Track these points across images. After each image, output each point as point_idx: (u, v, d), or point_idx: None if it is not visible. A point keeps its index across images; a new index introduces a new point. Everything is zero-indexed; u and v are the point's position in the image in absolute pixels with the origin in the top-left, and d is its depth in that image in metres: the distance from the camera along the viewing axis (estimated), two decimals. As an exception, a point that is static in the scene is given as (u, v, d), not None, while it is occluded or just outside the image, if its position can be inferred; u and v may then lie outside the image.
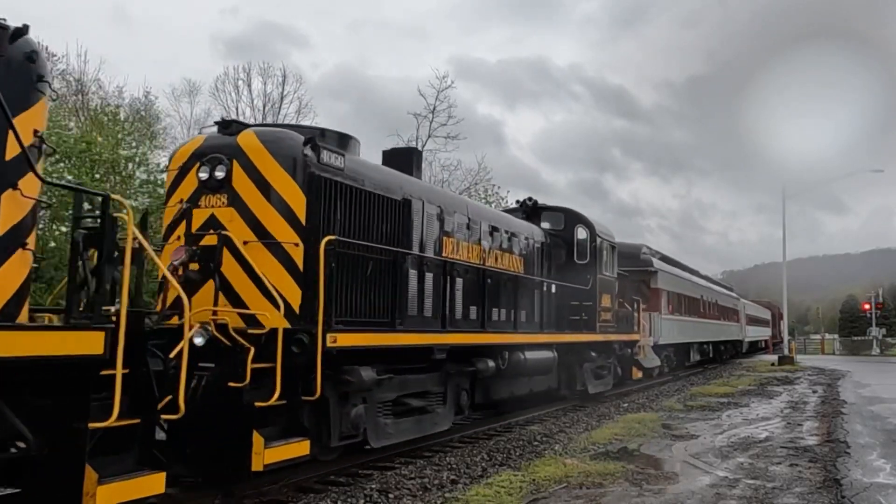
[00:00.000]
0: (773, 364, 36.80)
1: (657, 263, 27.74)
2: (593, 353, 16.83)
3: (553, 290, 15.15)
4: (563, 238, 16.49)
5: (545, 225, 16.36)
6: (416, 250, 10.24)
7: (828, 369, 32.76)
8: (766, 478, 8.57)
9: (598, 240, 16.72)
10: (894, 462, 9.48)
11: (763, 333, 61.28)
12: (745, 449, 10.61)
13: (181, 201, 8.12)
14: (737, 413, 15.25)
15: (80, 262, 5.35)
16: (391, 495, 7.93)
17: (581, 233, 16.60)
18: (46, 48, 24.03)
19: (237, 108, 34.67)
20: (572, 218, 16.86)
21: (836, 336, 79.44)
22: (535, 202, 16.80)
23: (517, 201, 17.61)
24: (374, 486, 8.23)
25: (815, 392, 20.73)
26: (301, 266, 8.03)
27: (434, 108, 33.81)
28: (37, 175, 5.10)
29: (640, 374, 21.58)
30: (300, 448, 7.46)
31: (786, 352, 40.25)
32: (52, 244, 16.84)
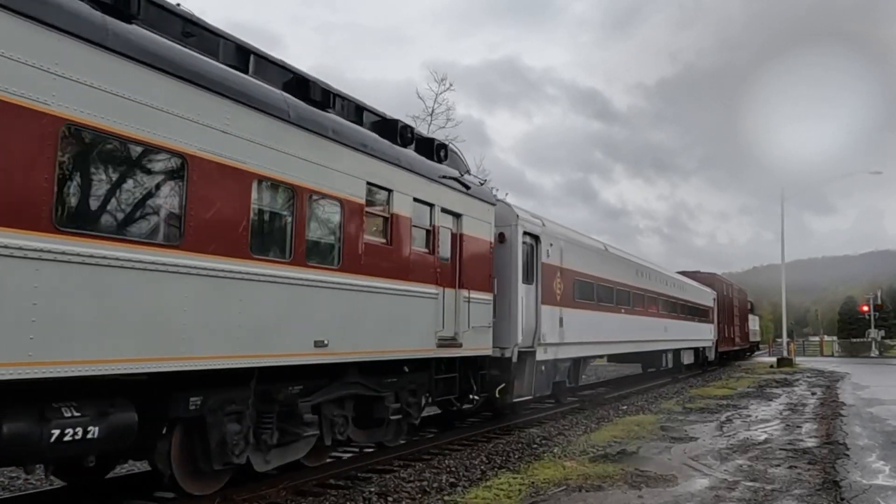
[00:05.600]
0: (771, 366, 36.85)
1: None
2: None
3: None
4: None
5: None
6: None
7: (826, 371, 32.76)
8: (765, 480, 8.56)
9: None
10: (893, 464, 9.48)
11: (678, 335, 27.68)
12: (744, 451, 10.60)
13: None
14: (736, 415, 15.24)
15: None
16: (390, 498, 7.92)
17: None
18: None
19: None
20: None
21: (834, 338, 79.44)
22: None
23: None
24: (372, 490, 8.22)
25: (813, 394, 20.73)
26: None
27: (433, 111, 33.70)
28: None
29: None
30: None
31: (785, 354, 40.28)
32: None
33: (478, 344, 12.09)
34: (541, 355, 14.36)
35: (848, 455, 10.19)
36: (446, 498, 7.81)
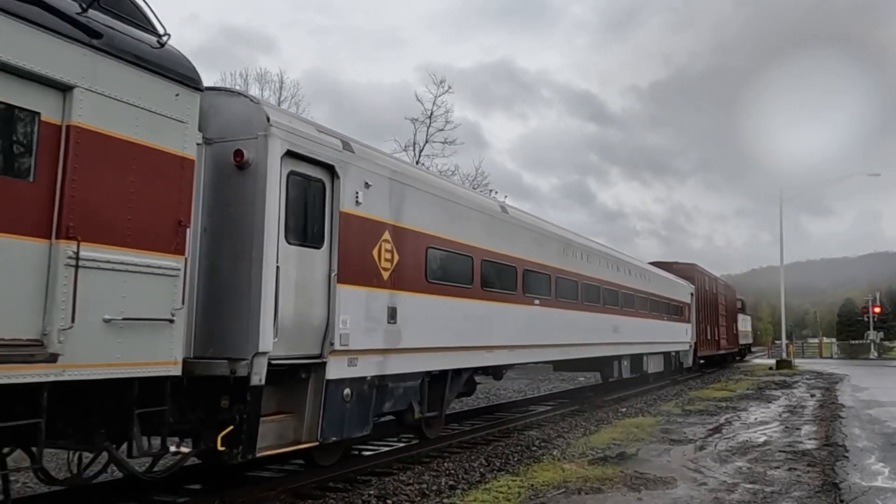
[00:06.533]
0: (771, 368, 36.88)
1: None
2: None
3: None
4: None
5: None
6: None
7: (826, 373, 32.78)
8: (764, 482, 8.56)
9: None
10: (892, 466, 9.48)
11: (637, 337, 21.60)
12: (743, 453, 10.60)
13: None
14: (735, 417, 15.24)
15: None
16: (389, 501, 7.91)
17: None
18: None
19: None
20: None
21: (833, 340, 79.52)
22: None
23: None
24: (371, 492, 8.21)
25: (813, 396, 20.74)
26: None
27: (431, 114, 33.71)
28: None
29: None
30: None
31: (784, 356, 40.35)
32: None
33: (122, 355, 5.95)
34: (339, 370, 8.49)
35: (847, 457, 10.19)
36: (445, 501, 7.81)
